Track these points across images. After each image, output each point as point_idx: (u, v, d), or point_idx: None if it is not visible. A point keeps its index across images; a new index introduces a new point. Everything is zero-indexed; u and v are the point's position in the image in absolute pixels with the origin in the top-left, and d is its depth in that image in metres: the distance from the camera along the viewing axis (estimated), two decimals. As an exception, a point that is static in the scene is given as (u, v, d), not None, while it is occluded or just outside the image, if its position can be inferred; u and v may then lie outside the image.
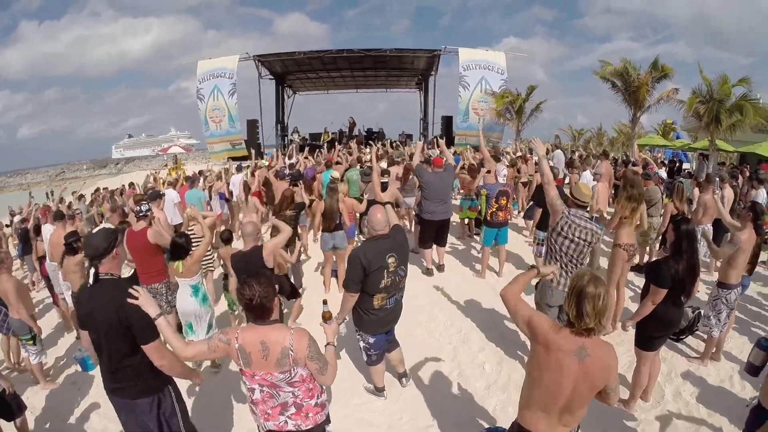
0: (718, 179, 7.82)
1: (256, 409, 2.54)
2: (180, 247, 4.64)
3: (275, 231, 4.52)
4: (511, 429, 2.51)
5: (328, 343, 2.63)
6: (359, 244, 3.86)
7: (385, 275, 3.66)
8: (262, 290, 2.33)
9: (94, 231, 2.74)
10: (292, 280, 7.12)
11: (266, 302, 2.36)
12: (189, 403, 4.17)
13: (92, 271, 2.60)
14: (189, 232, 6.11)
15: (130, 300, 2.47)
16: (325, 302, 2.82)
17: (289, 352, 2.34)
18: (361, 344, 4.00)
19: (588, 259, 4.19)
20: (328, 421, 2.71)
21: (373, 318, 3.80)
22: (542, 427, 2.33)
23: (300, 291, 6.97)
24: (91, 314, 2.58)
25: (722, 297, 4.46)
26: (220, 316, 5.96)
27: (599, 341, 2.25)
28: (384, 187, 5.67)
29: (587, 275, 2.24)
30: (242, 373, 2.47)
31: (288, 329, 2.43)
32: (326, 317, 2.73)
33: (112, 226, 2.87)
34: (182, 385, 3.09)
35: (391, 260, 3.67)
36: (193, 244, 5.92)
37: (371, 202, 8.11)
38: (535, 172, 9.21)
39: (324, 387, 2.64)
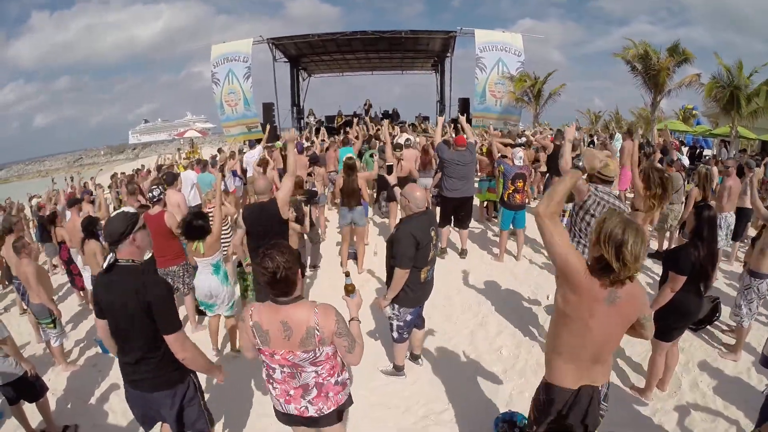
0: (745, 165, 7.65)
1: (276, 388, 2.43)
2: (199, 228, 4.50)
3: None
4: (538, 394, 2.43)
5: (352, 318, 2.50)
6: (401, 222, 3.86)
7: (431, 248, 3.83)
8: (285, 261, 2.16)
9: (113, 215, 2.59)
10: (308, 260, 7.19)
11: (291, 274, 2.19)
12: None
13: (109, 256, 2.46)
14: (209, 214, 6.16)
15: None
16: (347, 274, 2.69)
17: (314, 332, 2.21)
18: (395, 323, 4.03)
19: None
20: (350, 401, 2.61)
21: (417, 292, 3.93)
22: (572, 378, 2.25)
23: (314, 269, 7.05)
24: (111, 303, 2.46)
25: (755, 286, 4.38)
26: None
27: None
28: (389, 170, 5.66)
29: (618, 221, 2.06)
30: (260, 352, 2.34)
31: (312, 306, 2.27)
32: (349, 290, 2.59)
33: (133, 209, 2.72)
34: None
35: (432, 233, 3.84)
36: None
37: (382, 178, 8.13)
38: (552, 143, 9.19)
39: (346, 366, 2.52)
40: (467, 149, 6.88)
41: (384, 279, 4.31)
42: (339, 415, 2.54)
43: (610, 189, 4.07)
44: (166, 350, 2.48)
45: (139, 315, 2.39)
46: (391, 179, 5.22)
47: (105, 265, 2.47)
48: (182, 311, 5.02)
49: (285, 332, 2.23)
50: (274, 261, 2.15)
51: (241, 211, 4.46)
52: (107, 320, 2.56)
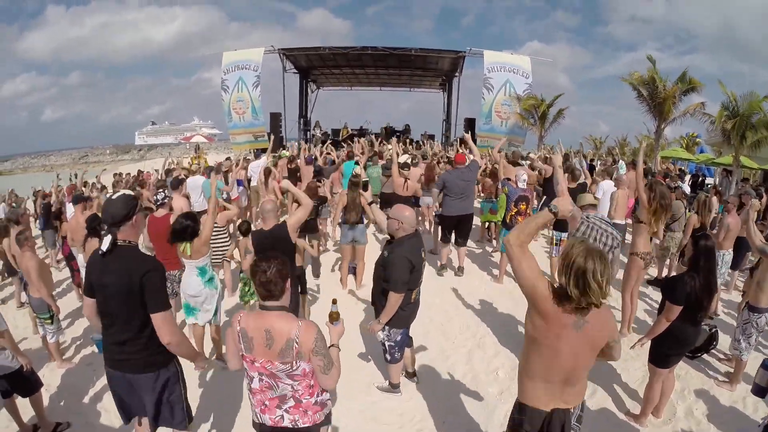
0: (744, 194, 7.68)
1: (254, 398, 2.47)
2: (186, 228, 4.42)
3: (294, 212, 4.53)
4: (513, 413, 2.46)
5: (332, 345, 2.52)
6: (393, 245, 3.84)
7: (422, 269, 3.88)
8: (278, 263, 2.31)
9: (113, 197, 2.65)
10: (310, 269, 7.21)
11: (281, 276, 2.31)
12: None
13: (108, 237, 2.50)
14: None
15: None
16: (334, 302, 2.67)
17: (293, 344, 2.26)
18: (387, 344, 4.01)
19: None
20: (327, 421, 2.60)
21: (408, 312, 3.93)
22: (543, 400, 2.28)
23: (316, 282, 7.03)
24: (105, 282, 2.52)
25: (753, 321, 4.37)
26: (234, 308, 6.00)
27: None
28: (365, 186, 5.68)
29: (581, 249, 2.12)
30: (243, 358, 2.39)
31: (296, 320, 2.35)
32: (334, 317, 2.60)
33: (131, 192, 2.79)
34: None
35: (423, 255, 3.89)
36: (215, 232, 5.99)
37: (387, 195, 8.15)
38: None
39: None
40: (467, 167, 6.92)
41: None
42: (315, 429, 2.53)
43: (603, 216, 4.11)
44: (152, 333, 2.54)
45: (131, 294, 2.46)
46: (368, 196, 5.20)
47: (105, 248, 2.51)
48: (180, 316, 5.02)
49: (267, 340, 2.29)
50: (269, 261, 2.32)
51: (250, 237, 4.54)
52: (96, 299, 2.63)
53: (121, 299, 2.49)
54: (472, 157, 7.21)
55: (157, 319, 2.51)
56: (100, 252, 2.54)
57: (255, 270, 2.32)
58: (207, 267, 4.68)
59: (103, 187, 10.64)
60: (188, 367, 2.98)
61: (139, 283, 2.45)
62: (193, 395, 4.03)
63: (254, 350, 2.33)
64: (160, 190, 5.84)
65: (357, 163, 9.33)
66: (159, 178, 10.35)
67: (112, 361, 2.68)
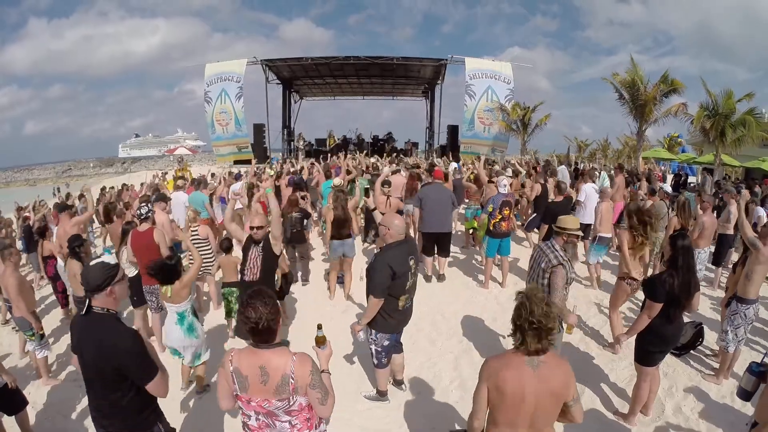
0: (725, 193, 7.81)
1: None
2: (170, 269, 4.20)
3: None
4: None
5: (322, 371, 2.46)
6: (378, 251, 3.88)
7: (409, 277, 3.86)
8: (268, 312, 2.20)
9: (92, 263, 2.53)
10: (299, 275, 7.30)
11: (273, 324, 2.22)
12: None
13: (86, 302, 2.44)
14: (192, 234, 6.13)
15: None
16: (319, 327, 2.65)
17: (289, 380, 2.22)
18: (374, 348, 4.05)
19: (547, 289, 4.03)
20: None
21: (396, 320, 3.95)
22: None
23: (304, 290, 7.00)
24: (81, 348, 2.46)
25: (741, 312, 4.43)
26: (219, 326, 5.97)
27: (549, 353, 2.28)
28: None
29: (523, 295, 2.29)
30: (238, 398, 2.32)
31: (290, 354, 2.28)
32: (320, 342, 2.56)
33: (113, 261, 2.63)
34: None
35: (411, 263, 3.87)
36: (197, 245, 5.93)
37: (369, 213, 8.14)
38: (537, 182, 9.30)
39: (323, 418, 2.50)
40: (443, 185, 7.03)
41: (365, 305, 4.34)
42: None
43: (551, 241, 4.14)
44: (129, 402, 2.45)
45: (104, 364, 2.37)
46: (352, 204, 5.18)
47: (78, 308, 2.43)
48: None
49: (262, 377, 2.23)
50: (257, 312, 2.18)
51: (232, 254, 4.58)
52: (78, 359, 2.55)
53: (95, 371, 2.42)
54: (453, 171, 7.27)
55: (150, 387, 2.43)
56: (79, 313, 2.48)
57: (245, 321, 2.22)
58: (186, 313, 4.39)
59: (81, 196, 10.48)
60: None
61: (112, 357, 2.35)
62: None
63: (249, 389, 2.26)
64: (144, 204, 5.80)
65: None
66: (146, 192, 10.31)
67: (97, 424, 2.61)
